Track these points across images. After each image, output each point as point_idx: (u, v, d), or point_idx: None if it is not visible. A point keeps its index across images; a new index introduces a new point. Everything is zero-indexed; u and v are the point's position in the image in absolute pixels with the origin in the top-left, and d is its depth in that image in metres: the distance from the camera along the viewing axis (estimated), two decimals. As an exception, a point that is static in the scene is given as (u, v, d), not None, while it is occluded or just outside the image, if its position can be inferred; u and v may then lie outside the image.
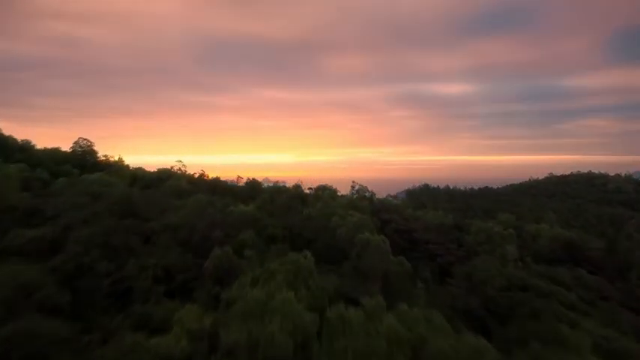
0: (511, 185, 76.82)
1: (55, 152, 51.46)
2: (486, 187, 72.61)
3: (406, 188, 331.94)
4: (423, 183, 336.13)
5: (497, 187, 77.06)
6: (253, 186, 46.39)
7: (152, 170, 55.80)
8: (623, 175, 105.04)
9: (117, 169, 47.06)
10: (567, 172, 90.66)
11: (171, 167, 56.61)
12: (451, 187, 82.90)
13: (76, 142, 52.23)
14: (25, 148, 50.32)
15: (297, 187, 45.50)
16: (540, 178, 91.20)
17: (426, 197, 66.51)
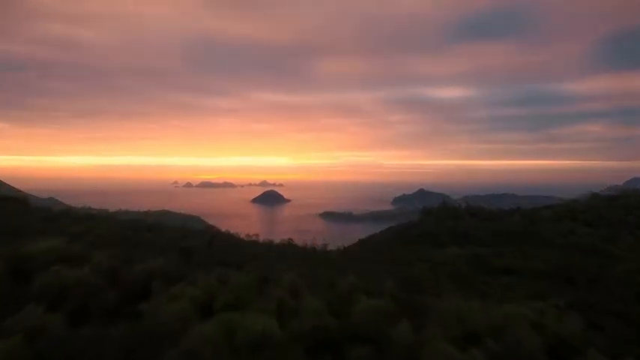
0: (551, 208, 59.15)
1: None
2: (519, 208, 56.58)
3: (402, 193, 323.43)
4: (419, 188, 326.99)
5: (531, 207, 61.64)
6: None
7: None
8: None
9: None
10: (612, 192, 75.82)
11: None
12: (470, 203, 67.42)
13: None
14: None
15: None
16: (576, 197, 75.45)
17: (448, 221, 49.43)
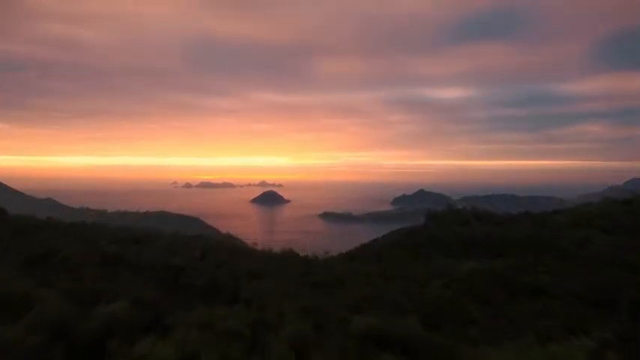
0: (562, 212, 54.51)
1: None
2: (527, 212, 53.30)
3: (402, 193, 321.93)
4: (419, 188, 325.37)
5: (539, 212, 58.03)
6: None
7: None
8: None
9: None
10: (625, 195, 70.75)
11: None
12: (471, 204, 64.21)
13: None
14: None
15: None
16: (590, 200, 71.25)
17: (454, 226, 46.40)
